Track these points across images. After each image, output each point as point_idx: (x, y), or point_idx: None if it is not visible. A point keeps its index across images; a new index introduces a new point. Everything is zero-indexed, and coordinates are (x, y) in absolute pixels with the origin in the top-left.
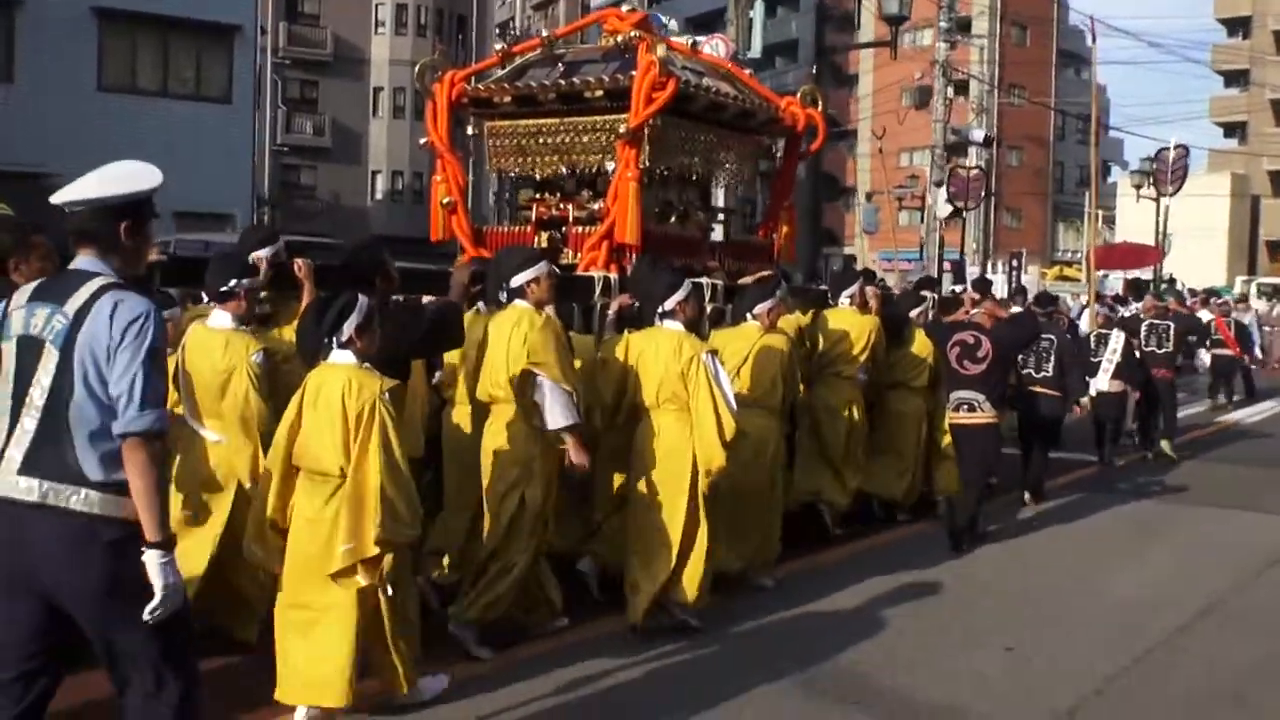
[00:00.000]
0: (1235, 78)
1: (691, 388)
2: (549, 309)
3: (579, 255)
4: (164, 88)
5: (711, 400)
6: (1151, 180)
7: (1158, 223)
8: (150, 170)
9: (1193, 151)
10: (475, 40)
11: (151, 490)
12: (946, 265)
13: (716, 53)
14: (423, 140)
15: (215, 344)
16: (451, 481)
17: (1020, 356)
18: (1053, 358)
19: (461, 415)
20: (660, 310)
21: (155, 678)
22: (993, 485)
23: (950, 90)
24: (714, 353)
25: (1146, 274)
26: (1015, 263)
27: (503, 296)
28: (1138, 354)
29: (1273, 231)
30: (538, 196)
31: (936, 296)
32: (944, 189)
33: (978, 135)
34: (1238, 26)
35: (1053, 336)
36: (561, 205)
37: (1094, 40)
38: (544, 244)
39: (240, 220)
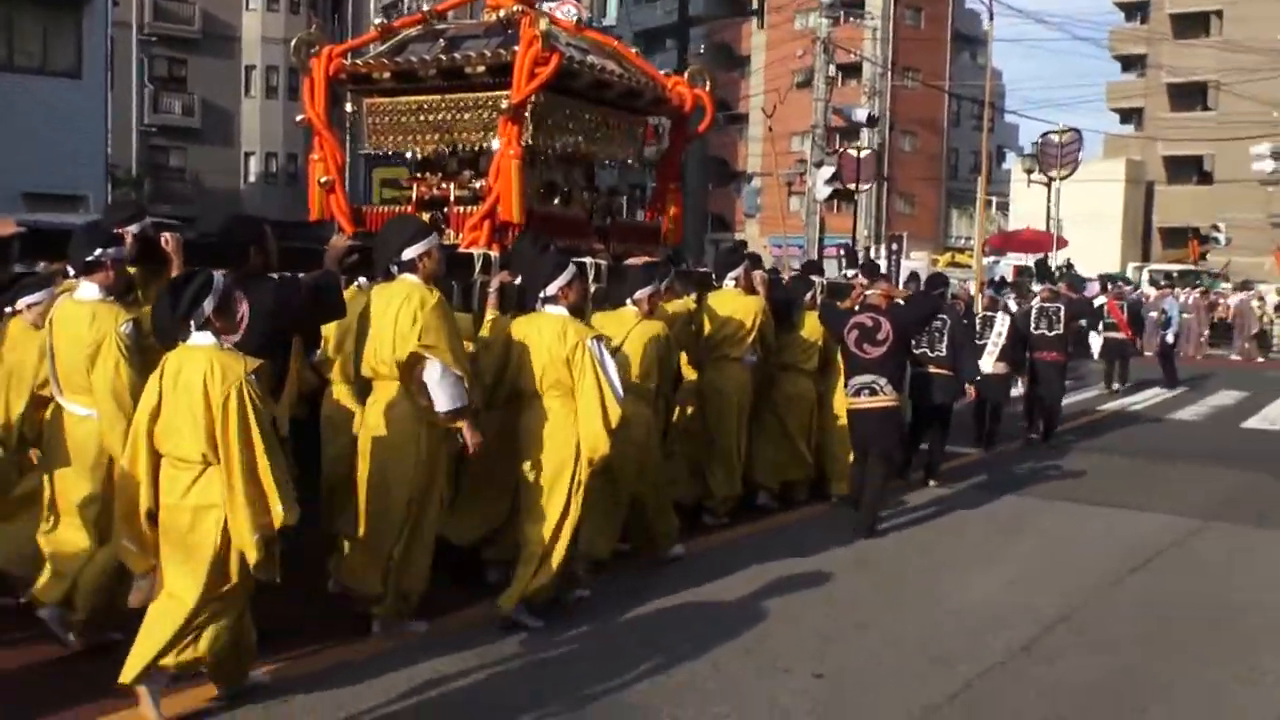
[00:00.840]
0: (1132, 62)
1: (577, 374)
2: None
3: (461, 235)
4: (8, 61)
5: (597, 387)
6: (1039, 165)
7: (1048, 208)
8: None
9: (1090, 137)
10: (352, 17)
11: None
12: (833, 250)
13: (567, 18)
14: (299, 118)
15: (82, 316)
16: (328, 462)
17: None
18: (945, 337)
19: (342, 394)
20: (543, 295)
21: None
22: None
23: (833, 69)
24: (600, 338)
25: (1032, 261)
26: (895, 246)
27: (394, 270)
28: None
29: (1167, 218)
30: (418, 176)
31: (824, 282)
32: (823, 170)
33: (860, 114)
34: (1135, 10)
35: (945, 317)
36: (443, 184)
37: (991, 19)
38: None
39: (94, 202)
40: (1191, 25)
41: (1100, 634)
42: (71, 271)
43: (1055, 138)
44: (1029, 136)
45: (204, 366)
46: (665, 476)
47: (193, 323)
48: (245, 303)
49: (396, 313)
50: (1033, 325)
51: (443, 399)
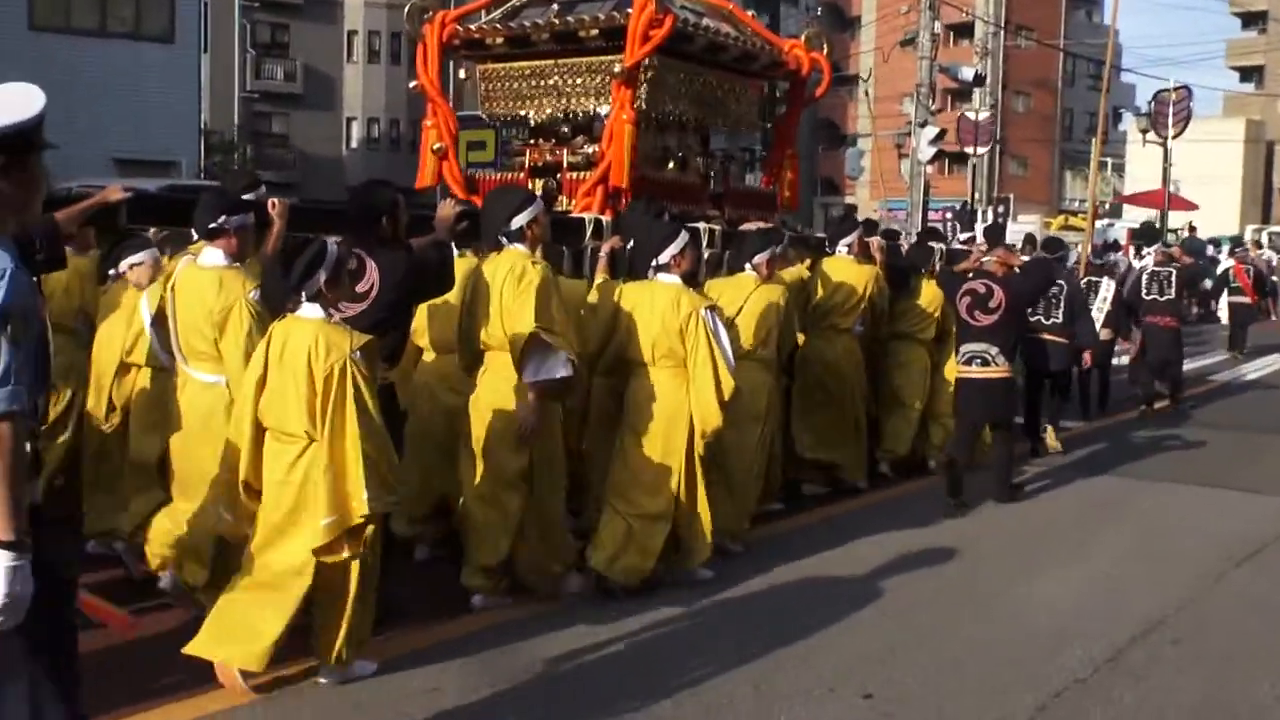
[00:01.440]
0: (1254, 19)
1: (690, 344)
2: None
3: (574, 201)
4: (101, 26)
5: (711, 359)
6: (1153, 125)
7: (1164, 168)
8: (27, 95)
9: (1210, 96)
10: None
11: None
12: (938, 214)
13: None
14: (412, 84)
15: (207, 282)
16: (416, 427)
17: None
18: (1062, 304)
19: (437, 363)
20: (655, 262)
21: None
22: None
23: (938, 26)
24: (714, 308)
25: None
26: (1002, 209)
27: (502, 240)
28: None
29: None
30: (531, 141)
31: (944, 248)
32: (926, 130)
33: (968, 73)
34: None
35: (1062, 282)
36: (556, 150)
37: None
38: (538, 190)
39: (186, 167)
40: None
41: (1199, 644)
42: (195, 236)
43: (1167, 94)
44: (1146, 96)
45: (310, 340)
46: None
47: (304, 293)
48: (376, 271)
49: (501, 286)
50: (1144, 290)
51: (538, 369)
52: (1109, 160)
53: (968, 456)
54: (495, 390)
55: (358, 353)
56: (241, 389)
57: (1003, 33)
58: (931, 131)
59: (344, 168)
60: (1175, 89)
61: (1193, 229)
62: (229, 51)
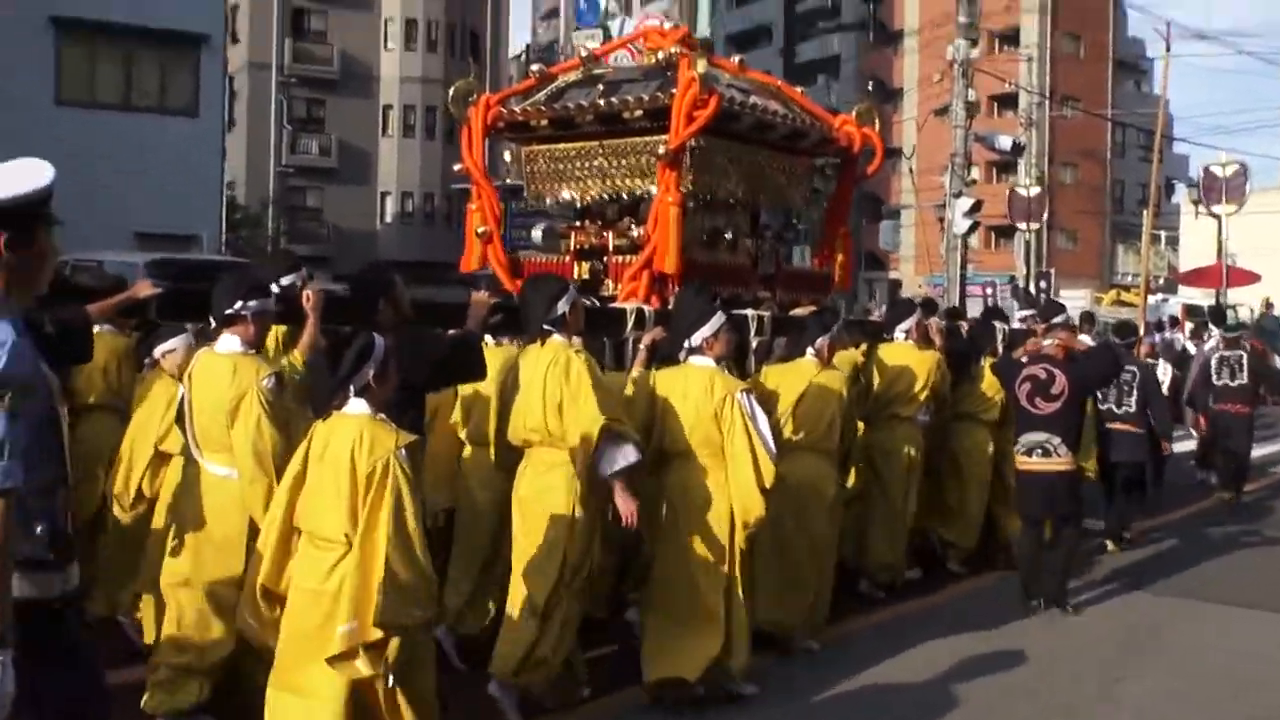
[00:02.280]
0: None
1: (726, 430)
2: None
3: (619, 286)
4: (125, 100)
5: (749, 444)
6: (1204, 199)
7: (1219, 242)
8: (35, 168)
9: (1267, 164)
10: (489, 56)
11: None
12: (977, 288)
13: (653, 29)
14: (456, 166)
15: (222, 369)
16: (461, 527)
17: (1100, 390)
18: (1135, 391)
19: (477, 457)
20: (688, 345)
21: None
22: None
23: (971, 94)
24: (749, 390)
25: (1208, 300)
26: (1043, 283)
27: (544, 328)
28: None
29: None
30: (577, 224)
31: (1006, 329)
32: (960, 202)
33: (1005, 142)
34: None
35: (1134, 368)
36: (601, 233)
37: (1168, 49)
38: (584, 274)
39: (208, 241)
40: None
41: None
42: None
43: (1219, 170)
44: (1199, 165)
45: (354, 436)
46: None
47: (352, 388)
48: None
49: (544, 377)
50: (1214, 375)
51: (612, 459)
52: (1162, 233)
53: (1035, 554)
54: (537, 485)
55: (403, 450)
56: (279, 486)
57: (1048, 103)
58: (966, 203)
59: (378, 242)
60: (1229, 164)
61: (1269, 306)
62: (265, 126)
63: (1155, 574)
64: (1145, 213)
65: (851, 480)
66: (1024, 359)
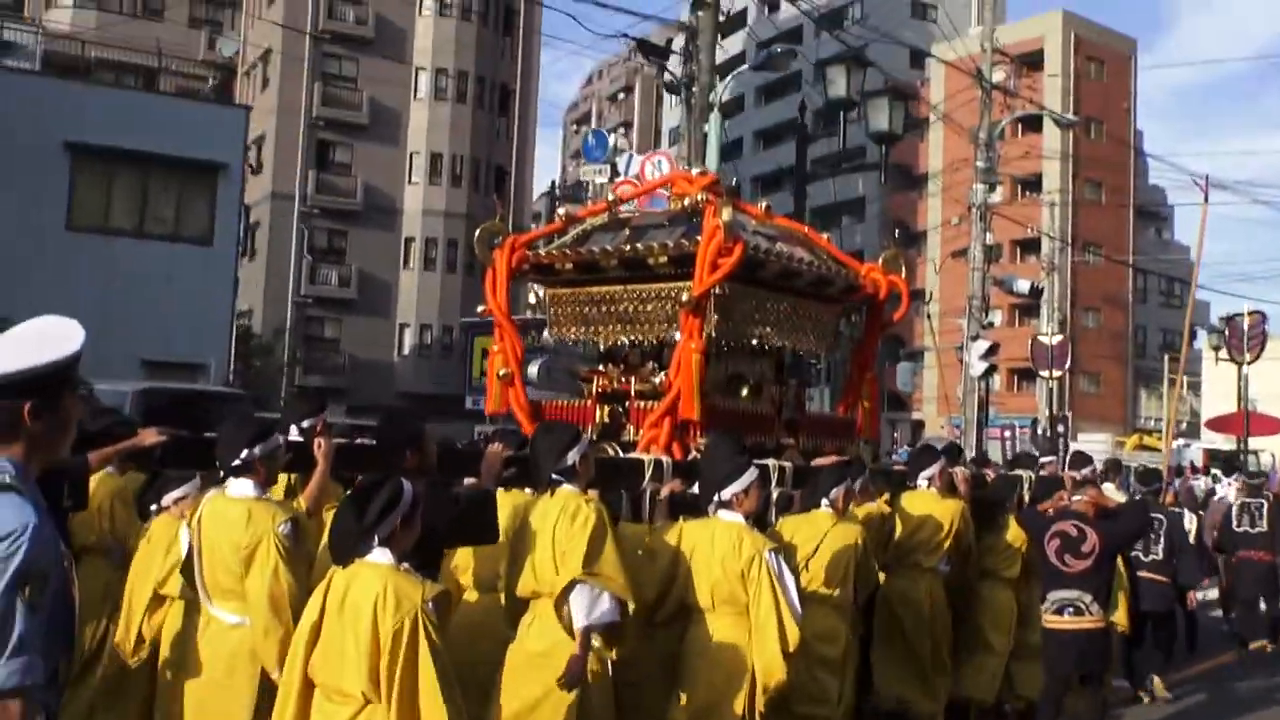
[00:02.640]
0: None
1: (753, 590)
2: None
3: (640, 432)
4: (139, 227)
5: (775, 606)
6: (1225, 347)
7: (1239, 389)
8: (65, 333)
9: None
10: (513, 192)
11: None
12: (996, 431)
13: (660, 171)
14: (480, 309)
15: (235, 515)
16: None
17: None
18: (1163, 539)
19: (483, 603)
20: (718, 498)
21: None
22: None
23: (989, 237)
24: (778, 550)
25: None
26: (1061, 428)
27: (555, 478)
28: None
29: None
30: (600, 368)
31: (1033, 476)
32: (977, 344)
33: (1023, 285)
34: None
35: (1161, 516)
36: (624, 378)
37: (1206, 199)
38: (605, 419)
39: (215, 370)
40: None
41: None
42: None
43: (1241, 320)
44: (1220, 311)
45: (377, 588)
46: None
47: (376, 536)
48: None
49: (553, 528)
50: (1235, 522)
51: (581, 615)
52: (1185, 378)
53: (1055, 713)
54: (543, 639)
55: (430, 604)
56: (293, 638)
57: (1069, 249)
58: (983, 345)
59: (395, 374)
60: (1250, 313)
61: None
62: (285, 256)
63: None
64: (1166, 358)
65: None
66: (1051, 513)
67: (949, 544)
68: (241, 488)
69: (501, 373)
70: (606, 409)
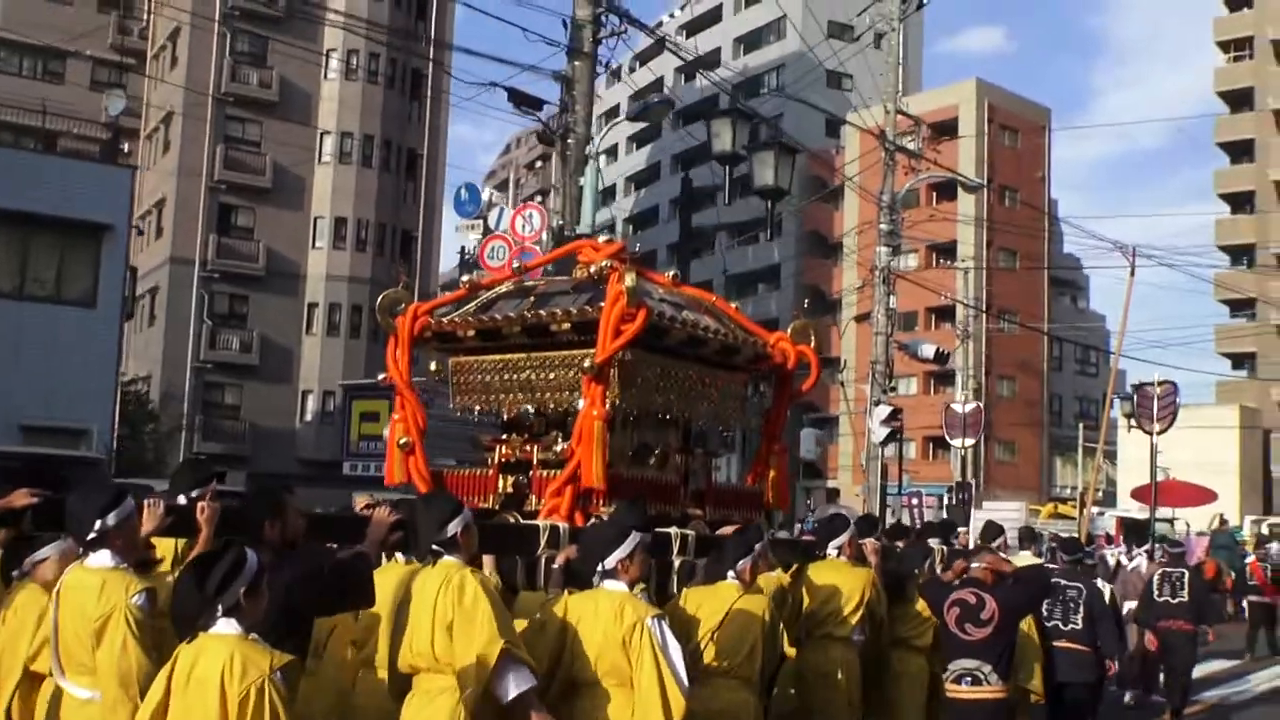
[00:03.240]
0: (1241, 306)
1: (634, 659)
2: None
3: (542, 501)
4: (20, 289)
5: (657, 674)
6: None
7: (1152, 458)
8: None
9: (1203, 382)
10: (420, 258)
11: None
12: (905, 499)
13: (532, 225)
14: (380, 376)
15: (90, 585)
16: None
17: (1046, 606)
18: (1081, 608)
19: (370, 682)
20: (601, 568)
21: None
22: None
23: (892, 301)
24: (660, 617)
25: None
26: (964, 495)
27: (437, 550)
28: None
29: None
30: (503, 437)
31: (944, 548)
32: (879, 410)
33: (927, 350)
34: (1240, 254)
35: (1080, 585)
36: (527, 446)
37: (1133, 272)
38: (508, 488)
39: (97, 436)
40: None
41: None
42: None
43: (1151, 390)
44: (1136, 379)
45: (223, 659)
46: None
47: (220, 606)
48: None
49: (435, 598)
50: (1156, 592)
51: (507, 684)
52: (1098, 447)
53: None
54: (423, 715)
55: (278, 673)
56: (131, 714)
57: (984, 316)
58: (884, 411)
59: (296, 440)
60: (1160, 383)
61: (1224, 521)
62: (184, 321)
63: None
64: (1082, 426)
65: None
66: (954, 582)
67: (861, 613)
68: (100, 559)
69: (402, 441)
70: (510, 478)
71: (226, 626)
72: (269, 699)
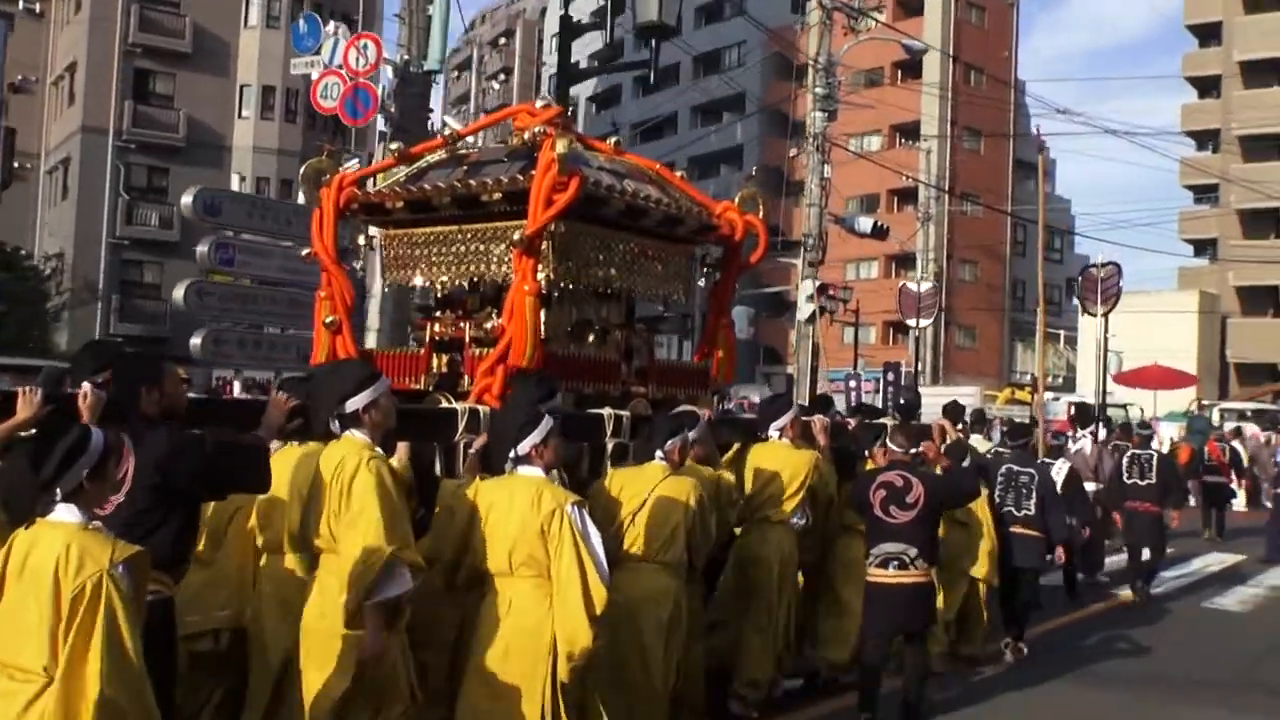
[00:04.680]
0: (1205, 191)
1: (553, 548)
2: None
3: (474, 381)
4: None
5: (578, 564)
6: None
7: (1103, 342)
8: None
9: (1167, 266)
10: (355, 132)
11: None
12: (836, 384)
13: (367, 58)
14: (305, 251)
15: None
16: (254, 649)
17: (999, 492)
18: (1034, 494)
19: (274, 566)
20: (514, 454)
21: None
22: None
23: (827, 170)
24: (580, 503)
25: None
26: (892, 375)
27: (335, 426)
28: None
29: (1241, 353)
30: (436, 314)
31: (892, 425)
32: (804, 286)
33: (864, 224)
34: (1206, 139)
35: (1032, 470)
36: (459, 324)
37: (1040, 151)
38: (442, 368)
39: None
40: (1264, 147)
41: None
42: None
43: (1095, 271)
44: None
45: (58, 550)
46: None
47: (59, 491)
48: (132, 457)
49: (329, 482)
50: (1125, 474)
51: (380, 590)
52: (1061, 332)
53: (878, 672)
54: (324, 598)
55: (120, 567)
56: None
57: (946, 198)
58: (810, 287)
59: None
60: (1104, 264)
61: (1203, 406)
62: (99, 195)
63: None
64: (1039, 311)
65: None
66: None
67: (801, 496)
68: None
69: (328, 320)
70: (443, 357)
71: (65, 514)
72: (106, 595)
